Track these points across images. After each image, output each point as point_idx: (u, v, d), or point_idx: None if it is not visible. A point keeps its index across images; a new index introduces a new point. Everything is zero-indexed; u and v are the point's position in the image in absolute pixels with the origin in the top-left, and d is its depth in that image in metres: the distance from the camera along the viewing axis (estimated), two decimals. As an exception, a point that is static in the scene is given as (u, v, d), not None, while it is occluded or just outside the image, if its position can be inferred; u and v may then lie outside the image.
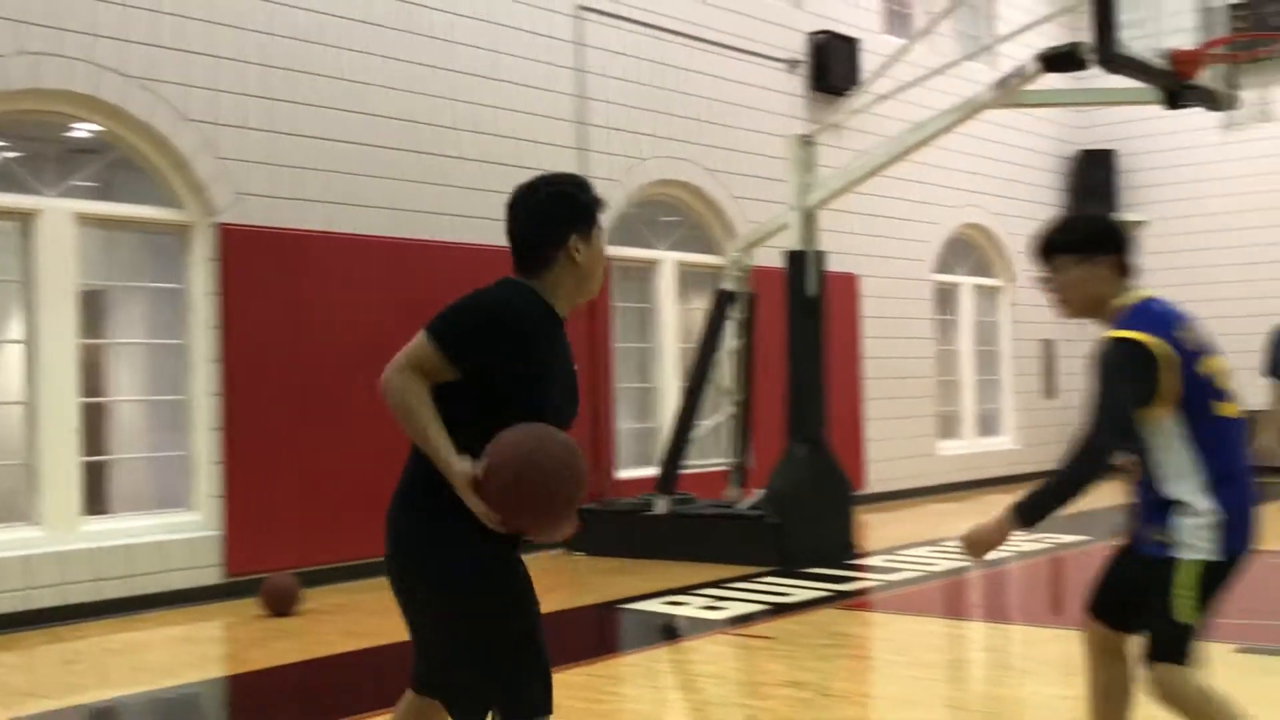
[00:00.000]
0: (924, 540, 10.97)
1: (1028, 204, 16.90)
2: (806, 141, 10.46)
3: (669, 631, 7.67)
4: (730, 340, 10.72)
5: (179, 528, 8.82)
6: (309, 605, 8.21)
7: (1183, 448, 3.49)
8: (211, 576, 8.79)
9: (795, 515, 9.69)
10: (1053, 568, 9.35)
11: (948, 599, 8.53)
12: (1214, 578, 3.50)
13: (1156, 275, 17.15)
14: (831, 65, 13.74)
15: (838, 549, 9.93)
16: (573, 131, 11.36)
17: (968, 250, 16.64)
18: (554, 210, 3.28)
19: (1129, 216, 17.71)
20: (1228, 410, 3.55)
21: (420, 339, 3.11)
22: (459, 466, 3.03)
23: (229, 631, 7.95)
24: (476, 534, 3.08)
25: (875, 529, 11.94)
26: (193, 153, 8.87)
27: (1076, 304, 3.72)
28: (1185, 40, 8.77)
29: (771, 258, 11.11)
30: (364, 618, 7.99)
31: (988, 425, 16.89)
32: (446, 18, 10.43)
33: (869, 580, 9.14)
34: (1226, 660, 6.15)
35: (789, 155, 10.49)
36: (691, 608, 8.02)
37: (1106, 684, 3.77)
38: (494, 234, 10.44)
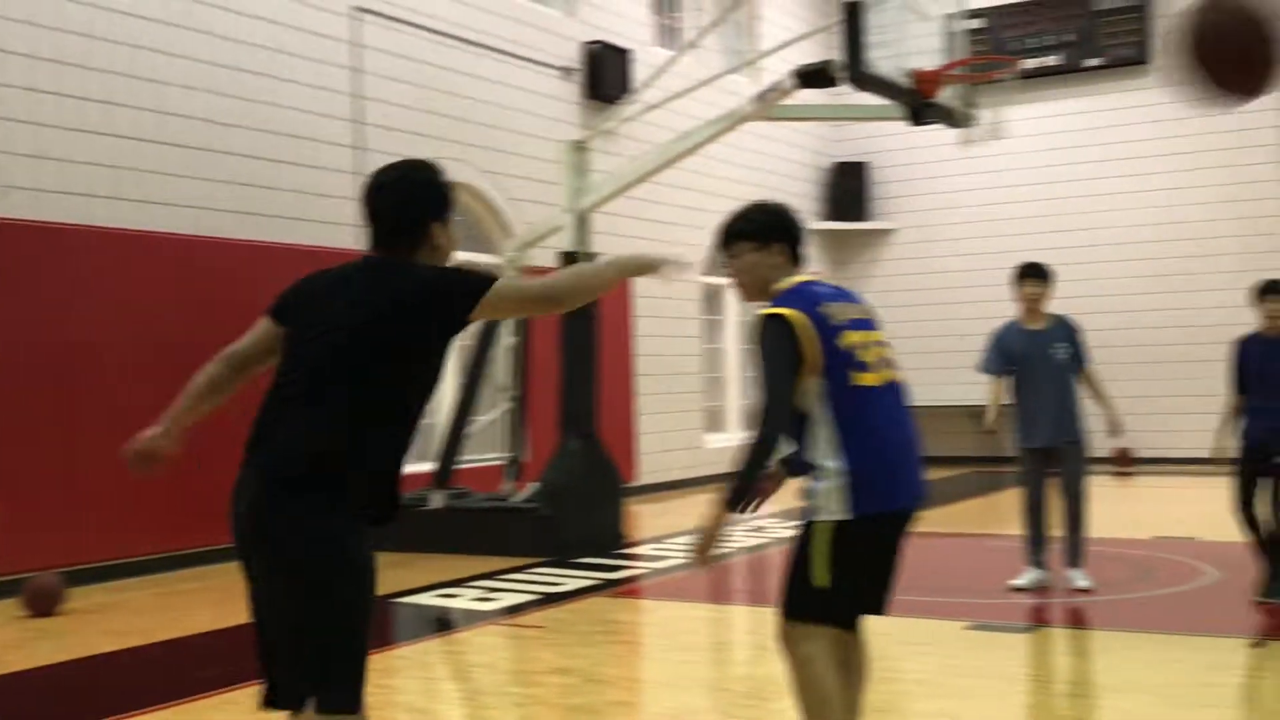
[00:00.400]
0: (691, 529, 11.16)
1: (789, 211, 17.38)
2: (580, 147, 10.51)
3: (441, 624, 7.61)
4: (506, 337, 10.70)
5: (-66, 529, 8.30)
6: (72, 605, 7.83)
7: (823, 414, 3.63)
8: (-31, 578, 8.29)
9: (568, 507, 9.74)
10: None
11: (712, 585, 8.70)
12: (847, 537, 3.59)
13: (907, 279, 17.95)
14: (604, 74, 13.85)
15: (609, 539, 10.03)
16: (350, 130, 11.14)
17: (733, 253, 17.00)
18: (422, 197, 3.40)
19: (880, 224, 18.42)
20: (867, 379, 3.66)
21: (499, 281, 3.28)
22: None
23: (-12, 634, 7.54)
24: (344, 516, 3.09)
25: (646, 519, 12.10)
26: (-50, 142, 8.35)
27: (751, 288, 3.88)
28: (928, 61, 9.14)
29: (547, 258, 11.14)
30: (128, 617, 7.68)
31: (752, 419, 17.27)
32: (223, 14, 10.08)
33: (639, 568, 9.26)
34: (957, 636, 6.48)
35: (563, 160, 10.53)
36: (464, 600, 7.98)
37: (841, 660, 3.84)
38: (273, 230, 10.21)
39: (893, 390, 3.77)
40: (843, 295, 3.84)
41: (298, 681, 3.09)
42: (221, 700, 5.42)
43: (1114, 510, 10.99)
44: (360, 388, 3.10)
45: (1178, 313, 16.53)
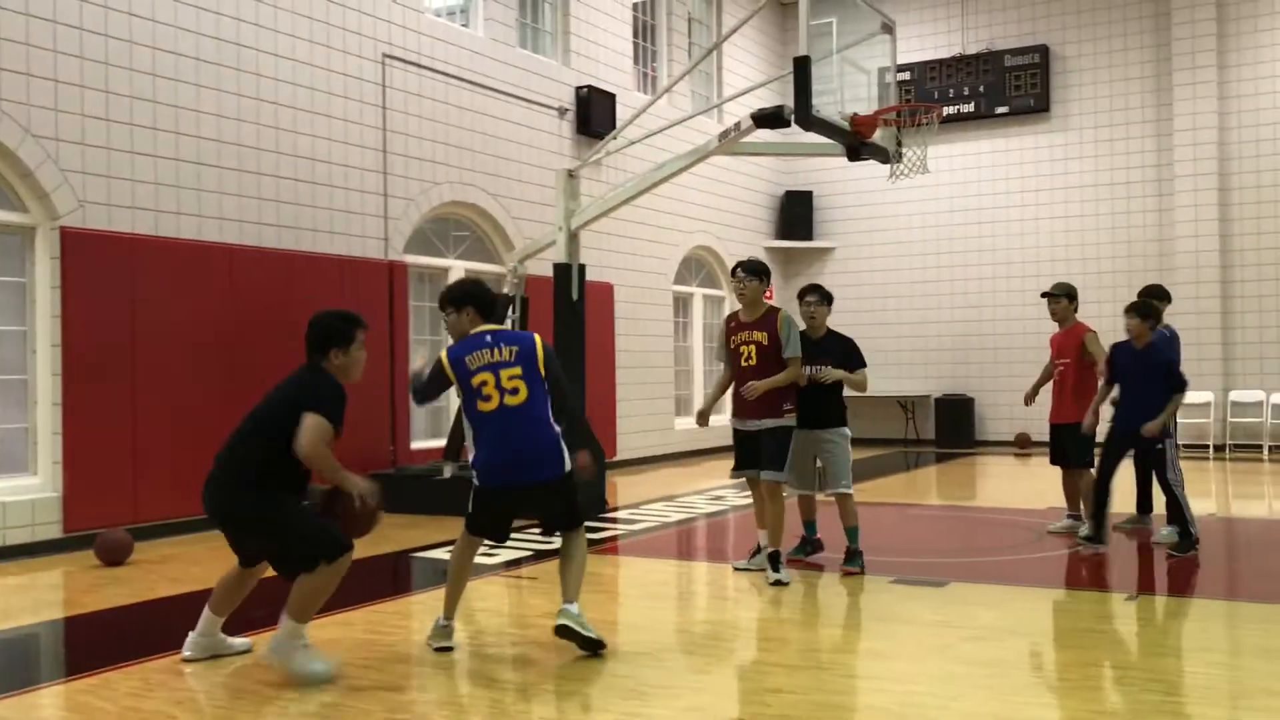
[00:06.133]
0: (662, 497, 11.19)
1: (745, 231, 17.40)
2: (572, 175, 10.49)
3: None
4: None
5: (22, 490, 8.25)
6: (139, 557, 7.80)
7: (468, 422, 5.10)
8: (51, 532, 8.25)
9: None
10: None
11: (679, 544, 8.72)
12: (476, 497, 5.15)
13: (843, 289, 17.96)
14: (593, 113, 13.82)
15: (593, 505, 10.03)
16: (377, 158, 11.10)
17: (699, 266, 17.04)
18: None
19: (822, 243, 18.46)
20: (485, 407, 5.01)
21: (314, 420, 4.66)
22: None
23: (66, 580, 7.47)
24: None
25: (624, 488, 12.11)
26: (37, 164, 8.29)
27: (455, 337, 5.16)
28: (864, 107, 9.14)
29: (543, 268, 11.12)
30: (188, 566, 7.64)
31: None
32: (272, 59, 10.03)
33: (618, 530, 9.26)
34: (885, 589, 6.51)
35: (557, 185, 10.51)
36: (471, 554, 7.87)
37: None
38: (306, 242, 10.17)
39: (505, 412, 4.97)
40: (486, 344, 4.99)
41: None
42: (269, 634, 5.41)
43: (1013, 486, 10.92)
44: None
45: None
